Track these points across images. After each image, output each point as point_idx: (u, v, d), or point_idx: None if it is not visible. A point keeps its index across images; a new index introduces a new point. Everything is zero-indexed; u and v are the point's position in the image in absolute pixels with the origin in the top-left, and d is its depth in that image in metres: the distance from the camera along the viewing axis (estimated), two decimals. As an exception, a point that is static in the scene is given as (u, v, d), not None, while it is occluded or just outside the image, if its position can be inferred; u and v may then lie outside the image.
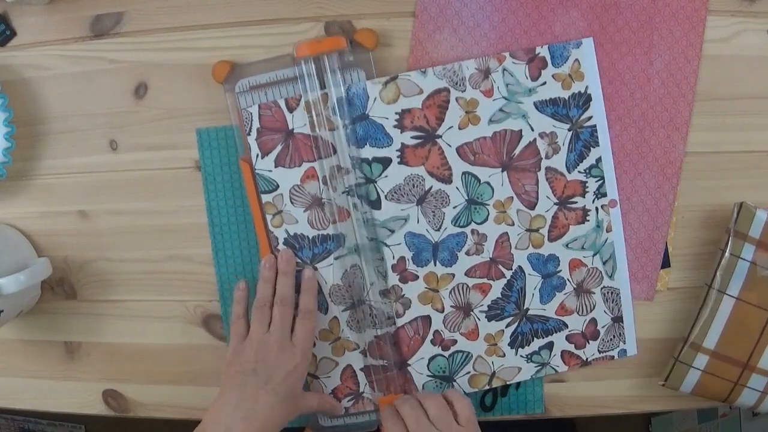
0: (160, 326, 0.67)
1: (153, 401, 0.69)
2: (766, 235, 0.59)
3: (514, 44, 0.59)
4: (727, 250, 0.59)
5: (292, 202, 0.61)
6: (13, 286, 0.58)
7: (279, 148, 0.60)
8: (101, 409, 0.69)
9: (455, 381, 0.63)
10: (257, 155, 0.60)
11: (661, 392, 0.63)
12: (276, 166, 0.60)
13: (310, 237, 0.61)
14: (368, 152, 0.60)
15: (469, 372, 0.63)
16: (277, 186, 0.61)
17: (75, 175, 0.65)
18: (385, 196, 0.60)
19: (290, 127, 0.60)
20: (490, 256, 0.61)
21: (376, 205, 0.60)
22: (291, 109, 0.59)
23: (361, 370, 0.63)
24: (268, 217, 0.61)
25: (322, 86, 0.59)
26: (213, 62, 0.61)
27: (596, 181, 0.60)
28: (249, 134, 0.60)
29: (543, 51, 0.58)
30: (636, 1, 0.58)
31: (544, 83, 0.59)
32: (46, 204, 0.66)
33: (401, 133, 0.59)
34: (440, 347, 0.63)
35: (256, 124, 0.60)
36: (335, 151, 0.59)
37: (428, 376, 0.63)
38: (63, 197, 0.65)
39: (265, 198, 0.61)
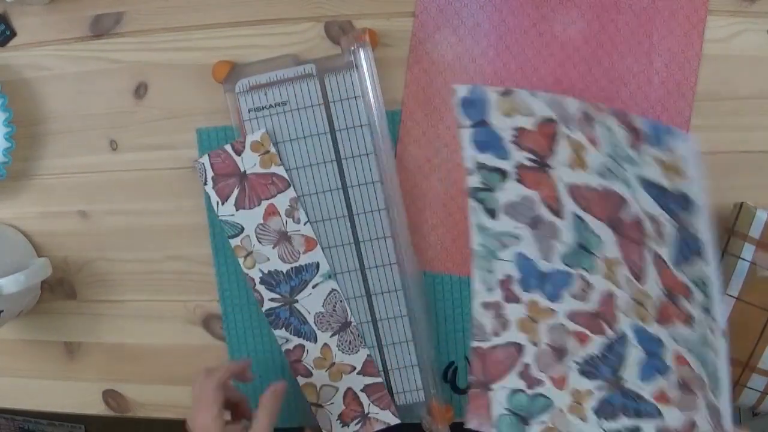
0: (160, 326, 0.67)
1: (153, 401, 0.69)
2: (766, 235, 0.59)
3: (515, 44, 0.59)
4: (727, 250, 0.59)
5: (259, 241, 0.61)
6: (13, 286, 0.58)
7: (236, 191, 0.60)
8: (101, 409, 0.69)
9: (529, 426, 0.59)
10: (217, 202, 0.60)
11: (661, 392, 0.63)
12: (237, 210, 0.60)
13: (284, 271, 0.61)
14: (489, 160, 0.55)
15: (545, 423, 0.59)
16: (243, 228, 0.61)
17: (75, 175, 0.65)
18: (503, 210, 0.57)
19: (242, 170, 0.60)
20: (596, 308, 0.55)
21: (492, 213, 0.57)
22: (238, 152, 0.59)
23: (362, 390, 0.62)
24: (240, 260, 0.61)
25: (323, 87, 0.58)
26: (213, 62, 0.61)
27: (704, 297, 0.46)
28: (206, 184, 0.60)
29: (639, 123, 0.45)
30: (636, 1, 0.58)
31: (646, 160, 0.46)
32: (46, 204, 0.66)
33: (518, 150, 0.54)
34: (525, 383, 0.59)
35: (210, 173, 0.60)
36: (289, 185, 0.59)
37: (506, 409, 0.60)
38: (63, 197, 0.65)
39: (234, 242, 0.61)
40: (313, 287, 0.61)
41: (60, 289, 0.67)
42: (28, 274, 0.60)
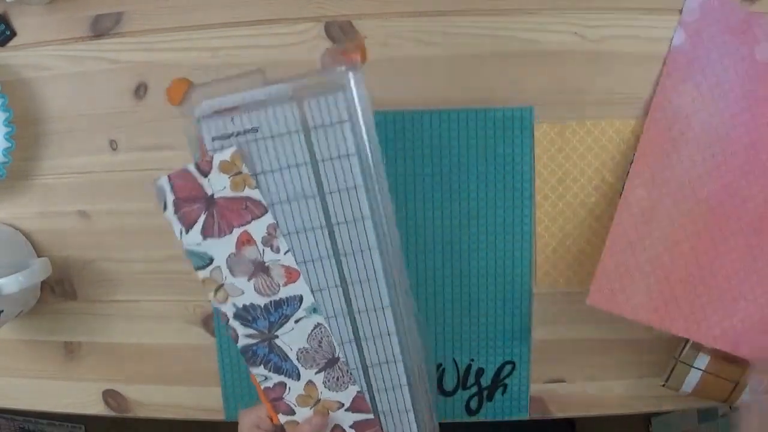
0: (160, 326, 0.67)
1: (153, 401, 0.69)
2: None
3: (747, 110, 0.59)
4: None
5: (232, 273, 0.52)
6: (13, 286, 0.58)
7: (203, 217, 0.52)
8: (101, 409, 0.69)
9: None
10: (180, 230, 0.52)
11: (661, 392, 0.63)
12: (204, 238, 0.52)
13: (262, 305, 0.53)
14: None
15: None
16: (212, 259, 0.52)
17: (75, 175, 0.65)
18: None
19: (209, 193, 0.51)
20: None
21: None
22: (204, 174, 0.50)
23: (351, 427, 0.56)
24: (210, 294, 0.53)
25: (301, 111, 0.49)
26: (213, 62, 0.61)
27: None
28: (165, 210, 0.51)
29: None
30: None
31: None
32: (46, 204, 0.66)
33: None
34: None
35: (170, 197, 0.51)
36: (266, 210, 0.51)
37: None
38: (63, 197, 0.65)
39: (202, 274, 0.52)
40: (296, 322, 0.54)
41: (60, 289, 0.67)
42: (28, 274, 0.59)
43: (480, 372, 0.66)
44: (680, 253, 0.60)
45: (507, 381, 0.66)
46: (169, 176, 0.51)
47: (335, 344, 0.54)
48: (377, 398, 0.55)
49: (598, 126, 0.61)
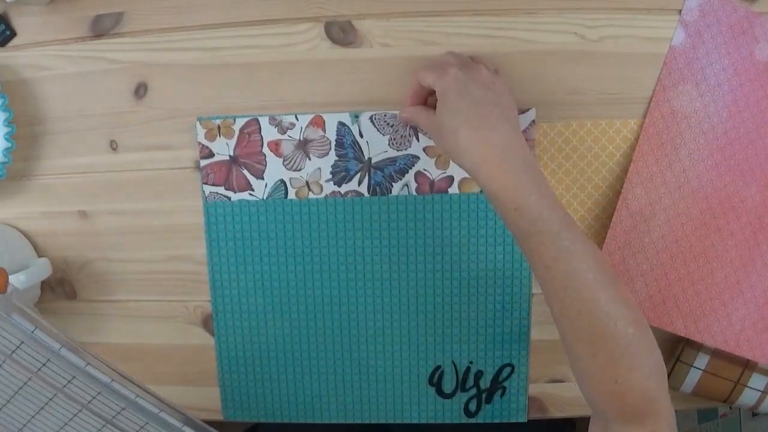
0: (160, 326, 0.67)
1: (153, 401, 0.68)
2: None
3: (747, 110, 0.59)
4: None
5: None
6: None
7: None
8: (101, 409, 0.69)
9: None
10: None
11: (661, 392, 0.63)
12: None
13: None
14: None
15: None
16: None
17: (75, 175, 0.65)
18: None
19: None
20: None
21: None
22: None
23: None
24: None
25: None
26: (213, 62, 0.61)
27: None
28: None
29: None
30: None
31: None
32: (46, 204, 0.66)
33: None
34: None
35: None
36: None
37: None
38: (63, 197, 0.65)
39: None
40: None
41: (60, 289, 0.67)
42: (28, 274, 0.60)
43: (479, 374, 0.66)
44: (679, 253, 0.60)
45: (506, 384, 0.66)
46: None
47: None
48: None
49: (598, 126, 0.61)
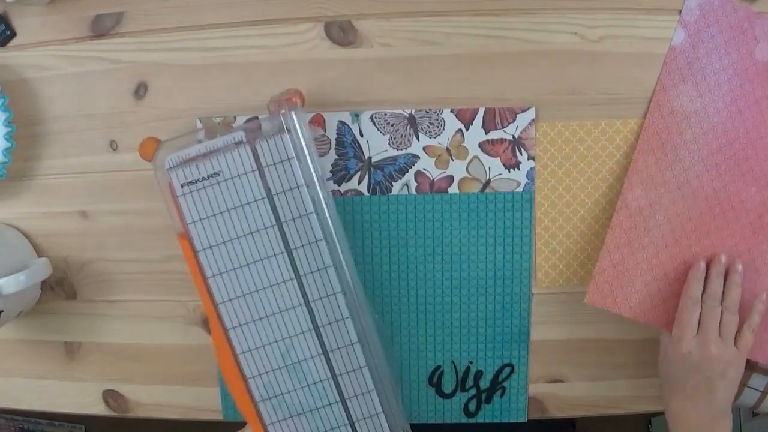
0: (160, 326, 0.67)
1: (153, 401, 0.69)
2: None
3: (747, 110, 0.60)
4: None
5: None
6: (13, 286, 0.58)
7: None
8: (101, 409, 0.69)
9: None
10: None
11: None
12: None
13: None
14: None
15: None
16: None
17: (75, 175, 0.65)
18: None
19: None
20: None
21: None
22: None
23: None
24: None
25: (255, 153, 0.55)
26: (213, 62, 0.61)
27: None
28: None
29: None
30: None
31: None
32: (46, 204, 0.66)
33: None
34: None
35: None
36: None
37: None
38: (63, 197, 0.65)
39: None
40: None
41: (60, 289, 0.67)
42: (28, 274, 0.60)
43: (479, 374, 0.66)
44: (678, 252, 0.60)
45: (505, 384, 0.66)
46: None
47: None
48: (349, 406, 0.60)
49: (598, 126, 0.61)
